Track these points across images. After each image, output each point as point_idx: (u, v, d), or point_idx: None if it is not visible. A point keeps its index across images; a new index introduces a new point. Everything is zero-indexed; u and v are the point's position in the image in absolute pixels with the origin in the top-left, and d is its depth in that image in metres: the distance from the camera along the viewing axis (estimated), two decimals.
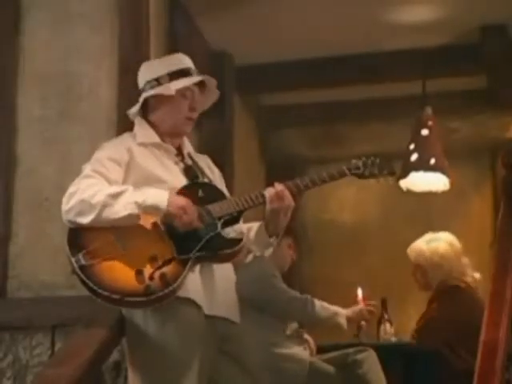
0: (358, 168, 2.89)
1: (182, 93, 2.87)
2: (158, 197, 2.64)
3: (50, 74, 3.49)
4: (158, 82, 2.89)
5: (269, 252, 2.92)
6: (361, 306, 4.28)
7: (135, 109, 2.93)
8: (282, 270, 4.33)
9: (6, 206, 3.42)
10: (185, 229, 2.64)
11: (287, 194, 2.77)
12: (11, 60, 3.53)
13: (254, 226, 2.86)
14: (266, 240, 2.82)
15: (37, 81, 3.50)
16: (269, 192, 2.77)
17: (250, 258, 2.90)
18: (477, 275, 4.40)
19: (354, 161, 2.91)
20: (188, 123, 2.91)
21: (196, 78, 2.91)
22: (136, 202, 2.61)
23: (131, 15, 3.45)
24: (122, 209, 2.60)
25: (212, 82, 2.96)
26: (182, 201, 2.66)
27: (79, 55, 3.47)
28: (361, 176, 2.90)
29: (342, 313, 4.14)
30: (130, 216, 2.61)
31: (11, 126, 3.49)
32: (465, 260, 4.46)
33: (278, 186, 2.77)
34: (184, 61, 2.95)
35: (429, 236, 4.55)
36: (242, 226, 2.87)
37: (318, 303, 4.12)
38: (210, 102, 3.03)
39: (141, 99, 2.91)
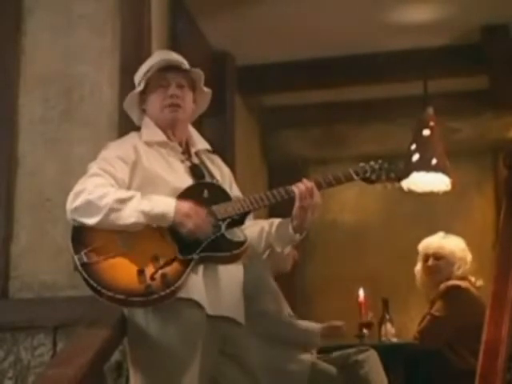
0: (366, 172, 2.86)
1: (158, 84, 2.85)
2: (165, 206, 2.62)
3: (51, 75, 3.50)
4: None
5: (288, 249, 2.91)
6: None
7: (135, 116, 2.95)
8: (285, 269, 4.31)
9: (8, 206, 3.42)
10: (191, 236, 2.63)
11: (316, 190, 2.76)
12: (13, 61, 3.54)
13: (276, 221, 2.84)
14: (291, 236, 2.79)
15: (38, 82, 3.51)
16: (299, 188, 2.74)
17: (267, 253, 2.87)
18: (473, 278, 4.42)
19: (361, 164, 2.88)
20: (170, 110, 2.86)
21: (156, 60, 2.88)
22: (143, 211, 2.60)
23: (133, 16, 3.46)
24: (128, 216, 2.59)
25: (197, 76, 2.92)
26: (190, 209, 2.64)
27: (81, 56, 3.48)
28: (367, 180, 2.87)
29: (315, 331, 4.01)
30: (135, 224, 2.60)
31: (13, 127, 3.49)
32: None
33: (308, 183, 2.76)
34: (158, 55, 2.95)
35: (441, 234, 4.59)
36: (258, 222, 2.85)
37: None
38: (206, 99, 2.99)
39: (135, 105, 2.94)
